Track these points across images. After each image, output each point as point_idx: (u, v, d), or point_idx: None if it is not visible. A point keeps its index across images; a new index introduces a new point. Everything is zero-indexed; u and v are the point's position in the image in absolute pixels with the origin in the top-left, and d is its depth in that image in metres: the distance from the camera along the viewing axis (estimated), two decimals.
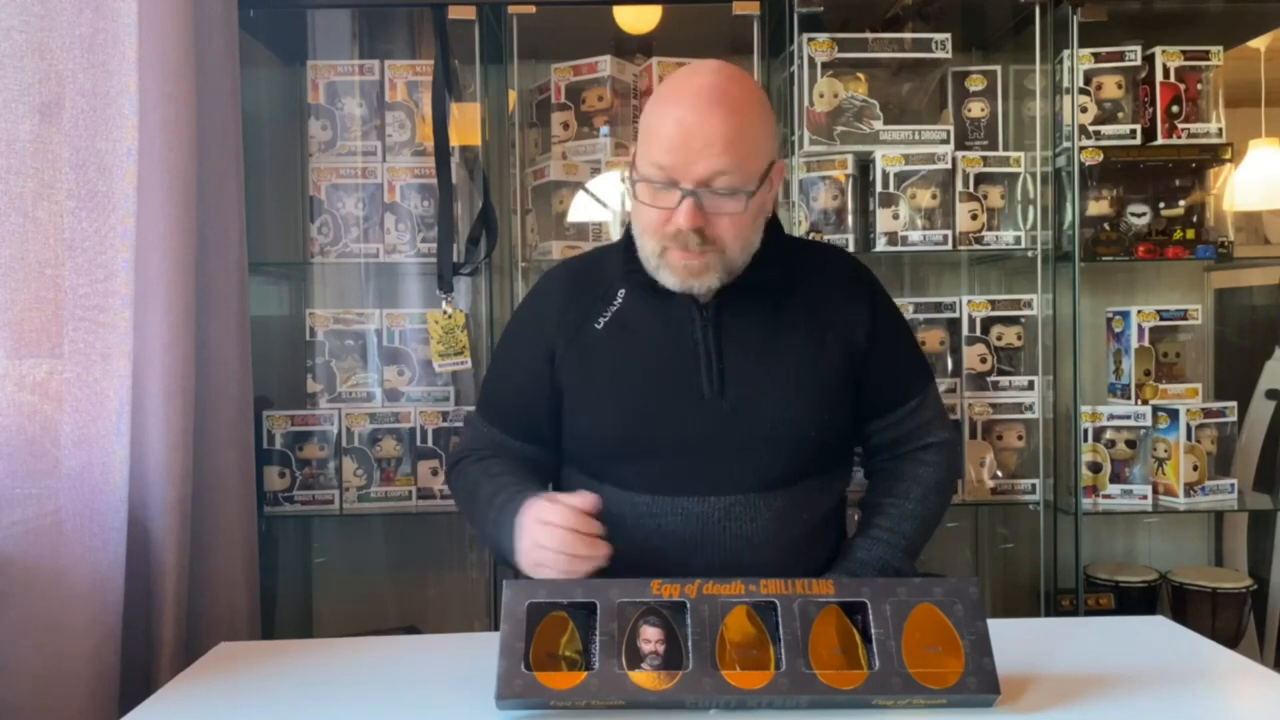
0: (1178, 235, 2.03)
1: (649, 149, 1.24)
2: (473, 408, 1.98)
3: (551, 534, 1.15)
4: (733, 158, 1.21)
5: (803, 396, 1.31)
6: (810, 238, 1.98)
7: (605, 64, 1.99)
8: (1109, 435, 2.02)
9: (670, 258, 1.26)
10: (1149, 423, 2.00)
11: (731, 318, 1.32)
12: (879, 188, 1.98)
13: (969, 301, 2.03)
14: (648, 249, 1.29)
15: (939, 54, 1.99)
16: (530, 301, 1.46)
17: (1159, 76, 2.00)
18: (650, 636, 1.02)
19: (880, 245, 1.99)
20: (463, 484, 1.41)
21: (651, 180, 1.24)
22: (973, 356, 2.03)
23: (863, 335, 1.36)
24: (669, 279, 1.28)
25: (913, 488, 1.38)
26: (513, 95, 2.09)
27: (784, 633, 1.01)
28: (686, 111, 1.21)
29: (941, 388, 2.02)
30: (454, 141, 1.95)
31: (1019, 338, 2.04)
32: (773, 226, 1.36)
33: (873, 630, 1.02)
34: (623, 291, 1.36)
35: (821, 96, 1.98)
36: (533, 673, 0.99)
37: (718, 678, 0.99)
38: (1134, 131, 2.01)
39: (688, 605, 1.03)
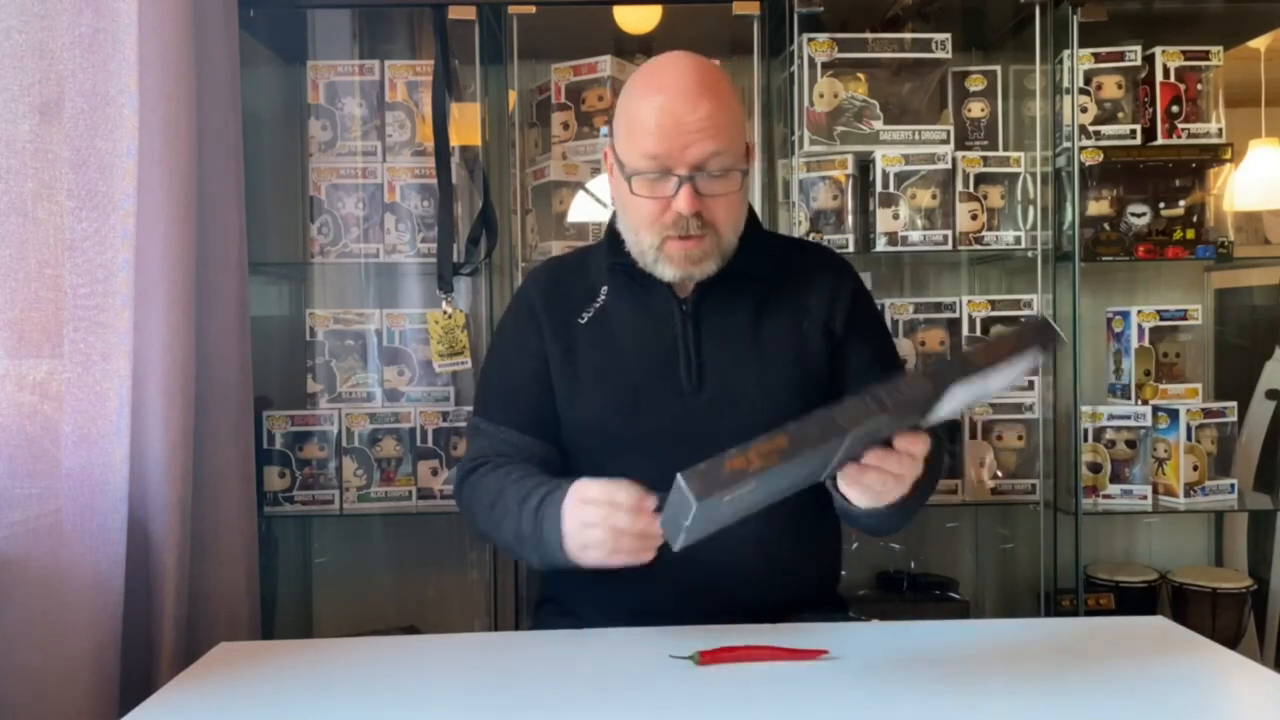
0: (1178, 235, 2.03)
1: (637, 142, 1.24)
2: (472, 408, 2.00)
3: (596, 510, 1.10)
4: (724, 139, 1.23)
5: (783, 390, 1.30)
6: (810, 237, 1.98)
7: (605, 64, 1.99)
8: (1109, 435, 2.02)
9: (669, 248, 1.27)
10: (1149, 423, 2.00)
11: (711, 312, 1.33)
12: (879, 188, 1.98)
13: (969, 301, 2.03)
14: (645, 243, 1.28)
15: (939, 54, 1.99)
16: (518, 299, 1.45)
17: (1159, 76, 2.00)
18: None
19: (880, 245, 1.99)
20: (479, 495, 1.32)
21: (644, 173, 1.24)
22: None
23: (840, 319, 1.35)
24: (667, 270, 1.29)
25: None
26: (513, 95, 2.09)
27: None
28: (672, 99, 1.22)
29: None
30: (454, 141, 1.95)
31: None
32: (751, 220, 1.36)
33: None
34: (605, 289, 1.37)
35: (821, 96, 1.98)
36: None
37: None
38: (1134, 131, 2.01)
39: None
